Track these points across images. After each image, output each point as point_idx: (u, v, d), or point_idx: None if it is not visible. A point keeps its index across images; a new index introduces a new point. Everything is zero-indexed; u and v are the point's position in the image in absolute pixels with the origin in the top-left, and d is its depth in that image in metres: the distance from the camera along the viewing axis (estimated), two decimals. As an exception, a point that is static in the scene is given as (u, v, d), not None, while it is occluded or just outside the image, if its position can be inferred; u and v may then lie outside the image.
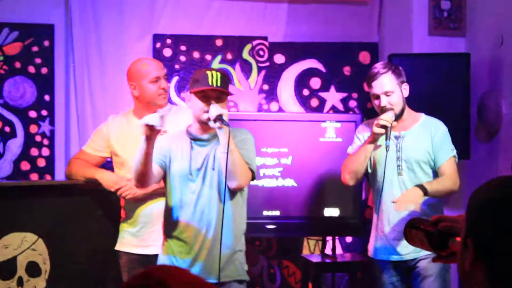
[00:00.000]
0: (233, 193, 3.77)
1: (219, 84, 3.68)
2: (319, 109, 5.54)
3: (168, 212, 3.83)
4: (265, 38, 5.52)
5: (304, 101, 5.55)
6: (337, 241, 5.34)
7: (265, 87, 5.52)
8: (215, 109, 3.62)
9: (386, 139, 3.95)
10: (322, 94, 5.56)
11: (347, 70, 5.58)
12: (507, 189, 1.53)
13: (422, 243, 1.97)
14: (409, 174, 4.06)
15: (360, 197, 5.10)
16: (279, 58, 5.54)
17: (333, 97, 5.57)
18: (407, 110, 4.15)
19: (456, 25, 5.26)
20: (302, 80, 5.55)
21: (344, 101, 5.57)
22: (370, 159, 4.12)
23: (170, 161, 3.80)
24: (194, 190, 3.75)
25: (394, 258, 4.10)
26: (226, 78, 3.79)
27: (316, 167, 4.97)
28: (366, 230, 5.31)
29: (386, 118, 3.96)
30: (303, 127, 5.02)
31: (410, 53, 5.16)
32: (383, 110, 4.04)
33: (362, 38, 5.63)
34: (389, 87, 4.04)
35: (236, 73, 5.49)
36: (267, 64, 5.53)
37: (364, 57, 5.59)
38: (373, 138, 4.04)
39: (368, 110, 5.56)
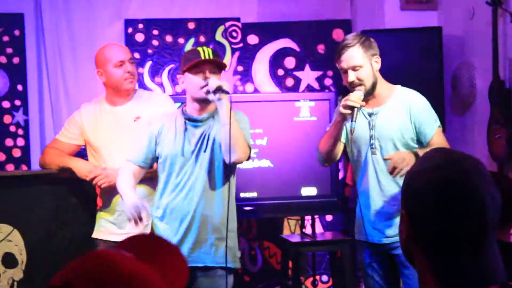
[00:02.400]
0: (225, 174, 3.71)
1: (211, 57, 3.63)
2: (295, 88, 5.52)
3: (158, 194, 3.80)
4: (238, 19, 5.49)
5: (279, 81, 5.53)
6: (317, 220, 5.35)
7: (240, 68, 5.49)
8: (214, 80, 3.58)
9: (351, 120, 3.63)
10: (297, 73, 5.54)
11: (321, 48, 5.56)
12: (435, 160, 1.49)
13: None
14: (383, 153, 3.74)
15: (337, 175, 5.08)
16: (252, 39, 5.51)
17: (308, 76, 5.55)
18: (381, 84, 3.82)
19: (427, -2, 5.24)
20: (276, 60, 5.53)
21: (320, 79, 5.55)
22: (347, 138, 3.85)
23: (157, 144, 3.77)
24: (185, 171, 3.69)
25: (371, 239, 3.84)
26: (217, 53, 3.80)
27: (291, 147, 4.95)
28: (346, 208, 5.33)
29: (354, 99, 3.63)
30: (277, 107, 4.99)
31: (383, 28, 5.14)
32: (352, 85, 3.73)
33: (335, 15, 5.60)
34: (356, 61, 3.70)
35: (210, 55, 5.45)
36: (241, 45, 5.50)
37: (338, 34, 5.55)
38: (341, 118, 3.70)
39: (344, 88, 5.53)
